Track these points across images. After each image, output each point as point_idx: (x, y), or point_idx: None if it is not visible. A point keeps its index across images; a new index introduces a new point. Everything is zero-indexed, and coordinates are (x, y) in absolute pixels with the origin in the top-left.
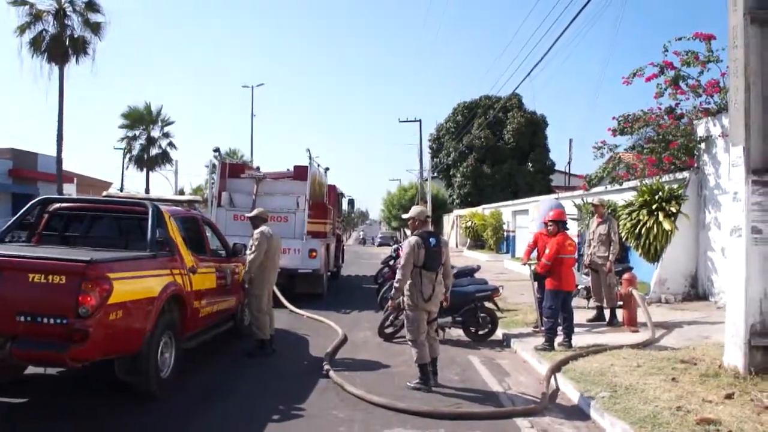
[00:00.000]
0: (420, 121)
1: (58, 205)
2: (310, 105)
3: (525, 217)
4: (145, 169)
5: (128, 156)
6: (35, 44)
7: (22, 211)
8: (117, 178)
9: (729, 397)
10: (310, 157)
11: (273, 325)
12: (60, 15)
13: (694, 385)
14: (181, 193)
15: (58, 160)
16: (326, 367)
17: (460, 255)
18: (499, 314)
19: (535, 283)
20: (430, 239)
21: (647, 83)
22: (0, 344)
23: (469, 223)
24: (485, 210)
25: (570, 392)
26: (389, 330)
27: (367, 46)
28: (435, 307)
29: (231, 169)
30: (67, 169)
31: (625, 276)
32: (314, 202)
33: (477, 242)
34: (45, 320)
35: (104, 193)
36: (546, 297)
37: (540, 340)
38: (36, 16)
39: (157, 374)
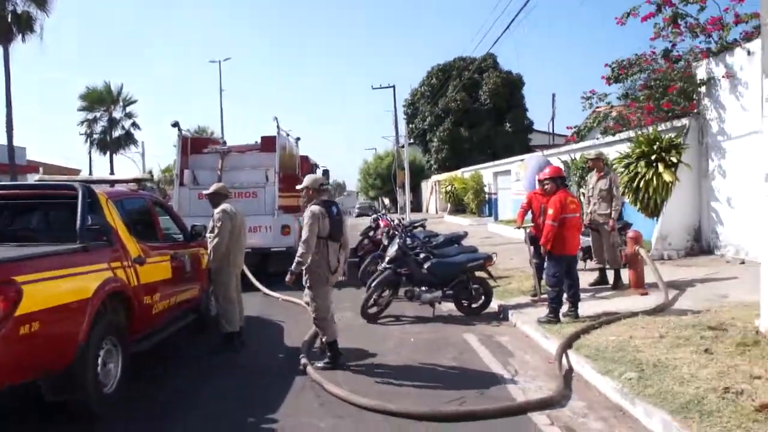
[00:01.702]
0: (394, 86)
1: None
2: (279, 77)
3: (507, 178)
4: (108, 153)
5: (90, 139)
6: None
7: None
8: (86, 164)
9: None
10: (278, 127)
11: (243, 315)
12: None
13: (733, 358)
14: (150, 174)
15: (10, 147)
16: (303, 361)
17: (441, 221)
18: (492, 283)
19: (531, 248)
20: (332, 208)
21: (643, 23)
22: None
23: (448, 188)
24: (465, 173)
25: (587, 374)
26: (373, 310)
27: (334, 15)
28: (335, 280)
29: (193, 144)
30: (33, 158)
31: (630, 234)
32: (285, 175)
33: (458, 207)
34: None
35: (36, 177)
36: (548, 263)
37: (541, 311)
38: None
39: (99, 389)
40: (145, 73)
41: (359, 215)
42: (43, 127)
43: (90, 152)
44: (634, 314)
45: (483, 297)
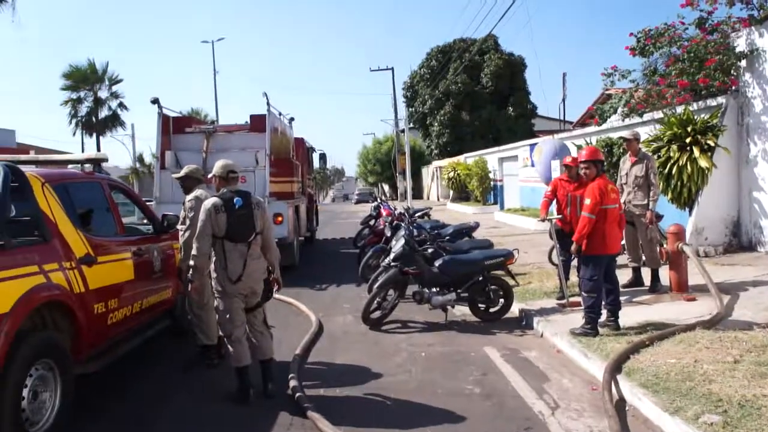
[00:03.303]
0: (392, 69)
1: None
2: (277, 60)
3: (513, 164)
4: (95, 135)
5: (75, 120)
6: None
7: None
8: (79, 148)
9: None
10: (268, 104)
11: None
12: None
13: None
14: (140, 159)
15: None
16: (292, 384)
17: (443, 209)
18: (511, 282)
19: (557, 243)
20: (235, 200)
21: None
22: None
23: (451, 174)
24: (468, 159)
25: (647, 410)
26: (376, 314)
27: None
28: (252, 292)
29: (176, 123)
30: (23, 141)
31: (672, 228)
32: (278, 158)
33: (461, 194)
34: None
35: None
36: (584, 264)
37: (570, 318)
38: None
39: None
40: (140, 54)
41: (358, 201)
42: (31, 108)
43: (75, 134)
44: (690, 328)
45: (502, 300)
